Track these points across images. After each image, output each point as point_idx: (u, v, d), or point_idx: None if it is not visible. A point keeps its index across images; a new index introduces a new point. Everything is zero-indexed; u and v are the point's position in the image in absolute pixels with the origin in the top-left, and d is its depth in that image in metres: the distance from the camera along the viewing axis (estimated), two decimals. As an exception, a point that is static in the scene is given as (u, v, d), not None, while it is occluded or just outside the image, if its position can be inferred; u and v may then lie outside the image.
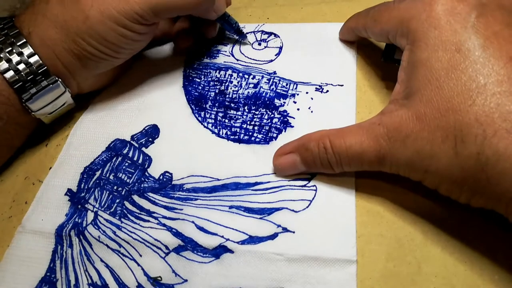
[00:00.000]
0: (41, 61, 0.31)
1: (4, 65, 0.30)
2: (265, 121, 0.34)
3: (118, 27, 0.31)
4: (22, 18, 0.32)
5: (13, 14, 0.33)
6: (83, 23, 0.30)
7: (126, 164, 0.33)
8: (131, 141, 0.34)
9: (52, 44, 0.31)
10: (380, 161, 0.26)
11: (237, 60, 0.39)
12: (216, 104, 0.35)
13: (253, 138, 0.33)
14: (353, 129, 0.27)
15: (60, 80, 0.32)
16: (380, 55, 0.34)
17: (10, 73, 0.30)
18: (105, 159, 0.33)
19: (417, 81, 0.25)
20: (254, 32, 0.41)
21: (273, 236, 0.28)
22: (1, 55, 0.30)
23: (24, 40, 0.30)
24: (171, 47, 0.41)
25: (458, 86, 0.23)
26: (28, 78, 0.30)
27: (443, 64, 0.24)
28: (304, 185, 0.30)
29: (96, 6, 0.30)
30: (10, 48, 0.30)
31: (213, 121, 0.34)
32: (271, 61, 0.38)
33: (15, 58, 0.30)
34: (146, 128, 0.35)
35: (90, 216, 0.30)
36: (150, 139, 0.34)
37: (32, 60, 0.30)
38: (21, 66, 0.30)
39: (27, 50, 0.30)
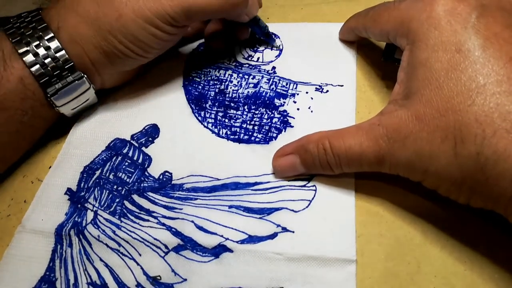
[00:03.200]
0: (67, 56, 0.31)
1: (31, 58, 0.30)
2: (265, 120, 0.34)
3: (150, 27, 0.31)
4: (51, 12, 0.32)
5: (41, 7, 0.33)
6: (116, 20, 0.30)
7: (126, 163, 0.33)
8: (131, 141, 0.34)
9: (82, 40, 0.31)
10: (380, 162, 0.26)
11: (237, 59, 0.39)
12: (216, 104, 0.35)
13: (253, 138, 0.33)
14: (353, 130, 0.27)
15: (85, 76, 0.32)
16: (380, 55, 0.34)
17: (37, 66, 0.30)
18: (105, 158, 0.33)
19: (416, 81, 0.25)
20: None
21: (273, 236, 0.28)
22: (29, 48, 0.30)
23: (52, 34, 0.30)
24: (172, 47, 0.41)
25: (457, 86, 0.23)
26: (54, 73, 0.30)
27: (443, 64, 0.24)
28: (304, 185, 0.30)
29: (130, 5, 0.30)
30: (37, 42, 0.30)
31: (213, 120, 0.34)
32: (271, 61, 0.38)
33: (41, 51, 0.30)
34: (146, 128, 0.35)
35: (90, 215, 0.30)
36: (150, 139, 0.34)
37: (58, 54, 0.30)
38: (48, 60, 0.30)
39: (54, 45, 0.30)
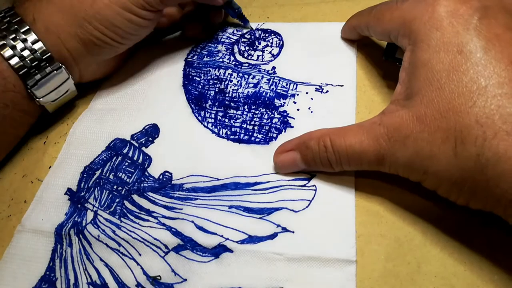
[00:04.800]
0: (45, 47, 0.31)
1: (9, 51, 0.30)
2: (265, 121, 0.34)
3: (125, 12, 0.31)
4: (26, 5, 0.32)
5: (13, 5, 0.33)
6: (91, 7, 0.31)
7: (126, 163, 0.33)
8: (131, 141, 0.34)
9: (57, 29, 0.31)
10: (380, 161, 0.26)
11: (237, 59, 0.39)
12: (216, 104, 0.35)
13: (253, 138, 0.33)
14: (354, 129, 0.28)
15: (63, 66, 0.32)
16: (381, 55, 0.34)
17: (15, 59, 0.30)
18: (105, 158, 0.33)
19: (418, 82, 0.25)
20: (254, 31, 0.41)
21: (273, 236, 0.28)
22: (5, 42, 0.30)
23: (27, 27, 0.31)
24: (171, 46, 0.41)
25: (459, 87, 0.23)
26: (33, 64, 0.31)
27: (444, 66, 0.24)
28: (304, 185, 0.30)
29: None
30: (14, 35, 0.30)
31: (213, 120, 0.34)
32: (271, 60, 0.38)
33: (19, 45, 0.30)
34: (146, 128, 0.35)
35: (90, 215, 0.30)
36: (150, 139, 0.34)
37: (36, 46, 0.31)
38: (26, 53, 0.31)
39: (31, 37, 0.31)
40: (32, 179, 0.33)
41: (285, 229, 0.28)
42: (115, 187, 0.32)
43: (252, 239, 0.28)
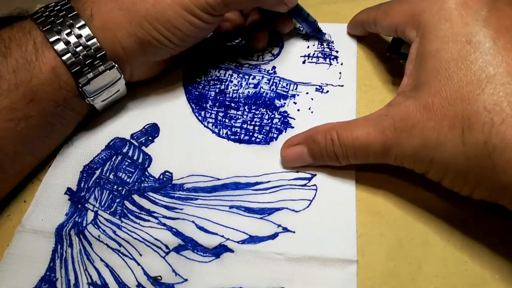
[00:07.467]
0: (99, 44, 0.30)
1: (62, 46, 0.29)
2: (265, 121, 0.34)
3: (187, 14, 0.30)
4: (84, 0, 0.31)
5: None
6: (153, 6, 0.30)
7: (126, 163, 0.33)
8: (131, 140, 0.34)
9: (115, 27, 0.30)
10: (386, 153, 0.26)
11: (237, 59, 0.39)
12: (217, 104, 0.35)
13: (253, 138, 0.33)
14: (360, 121, 0.28)
15: (116, 65, 0.31)
16: (381, 56, 0.34)
17: (68, 55, 0.29)
18: (104, 157, 0.33)
19: (426, 73, 0.25)
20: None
21: (274, 236, 0.28)
22: (60, 37, 0.29)
23: (83, 22, 0.30)
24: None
25: (467, 76, 0.23)
26: (86, 62, 0.30)
27: (453, 55, 0.24)
28: (305, 185, 0.30)
29: None
30: (68, 30, 0.29)
31: (213, 120, 0.34)
32: (271, 60, 0.38)
33: (73, 39, 0.29)
34: (146, 127, 0.35)
35: (90, 215, 0.30)
36: (150, 138, 0.34)
37: (90, 43, 0.30)
38: (79, 49, 0.29)
39: (85, 32, 0.29)
40: (31, 179, 0.33)
41: (285, 229, 0.28)
42: (115, 187, 0.32)
43: (253, 239, 0.28)
